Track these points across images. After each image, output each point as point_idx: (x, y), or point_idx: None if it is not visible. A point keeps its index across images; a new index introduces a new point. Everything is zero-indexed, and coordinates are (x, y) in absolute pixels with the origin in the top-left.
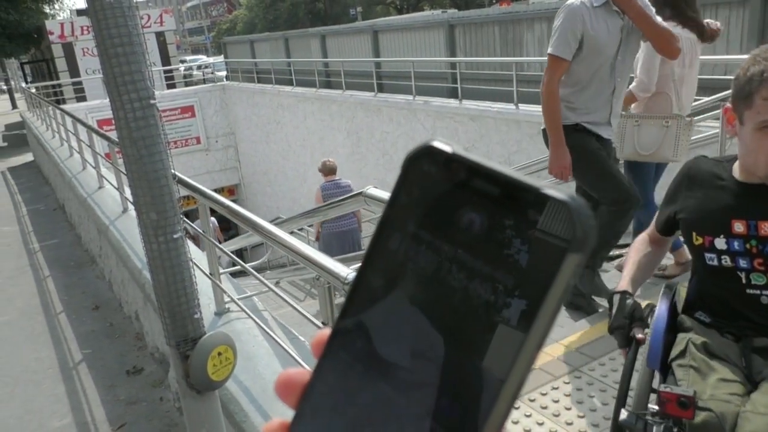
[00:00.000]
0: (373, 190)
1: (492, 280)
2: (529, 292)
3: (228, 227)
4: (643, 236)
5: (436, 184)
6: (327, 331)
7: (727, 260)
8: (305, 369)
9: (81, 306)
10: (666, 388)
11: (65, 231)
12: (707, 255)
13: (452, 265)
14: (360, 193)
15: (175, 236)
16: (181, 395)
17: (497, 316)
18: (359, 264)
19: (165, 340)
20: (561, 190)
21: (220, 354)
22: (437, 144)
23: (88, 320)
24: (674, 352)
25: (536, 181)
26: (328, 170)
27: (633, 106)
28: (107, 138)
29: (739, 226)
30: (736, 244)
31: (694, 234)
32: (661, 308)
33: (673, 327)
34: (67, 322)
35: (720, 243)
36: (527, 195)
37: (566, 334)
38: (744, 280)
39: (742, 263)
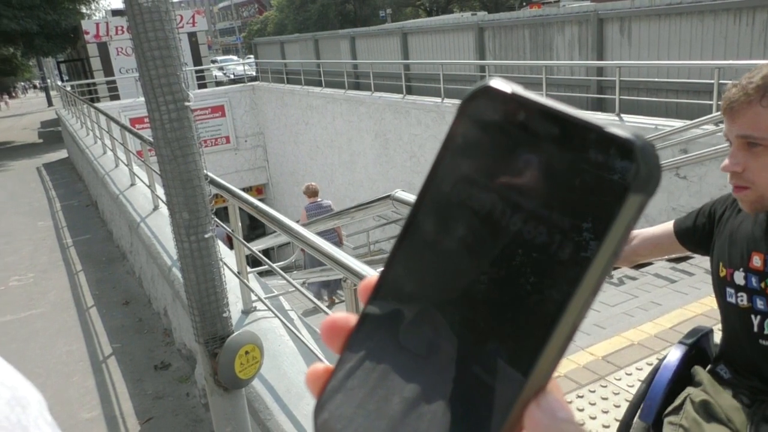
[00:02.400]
0: (400, 194)
1: (548, 222)
2: (588, 233)
3: (255, 226)
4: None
5: (493, 125)
6: (374, 277)
7: (743, 299)
8: (350, 315)
9: (111, 301)
10: None
11: (97, 227)
12: (728, 290)
13: (507, 209)
14: (388, 196)
15: (206, 236)
16: (208, 392)
17: (552, 258)
18: (412, 208)
19: (193, 337)
20: (626, 128)
21: (247, 353)
22: (495, 84)
23: (118, 315)
24: (671, 407)
25: (600, 119)
26: (311, 193)
27: None
28: (139, 137)
29: (756, 260)
30: (753, 281)
31: (721, 264)
32: (673, 357)
33: (687, 379)
34: (97, 316)
35: (739, 277)
36: (590, 134)
37: (592, 342)
38: (756, 328)
39: (759, 304)
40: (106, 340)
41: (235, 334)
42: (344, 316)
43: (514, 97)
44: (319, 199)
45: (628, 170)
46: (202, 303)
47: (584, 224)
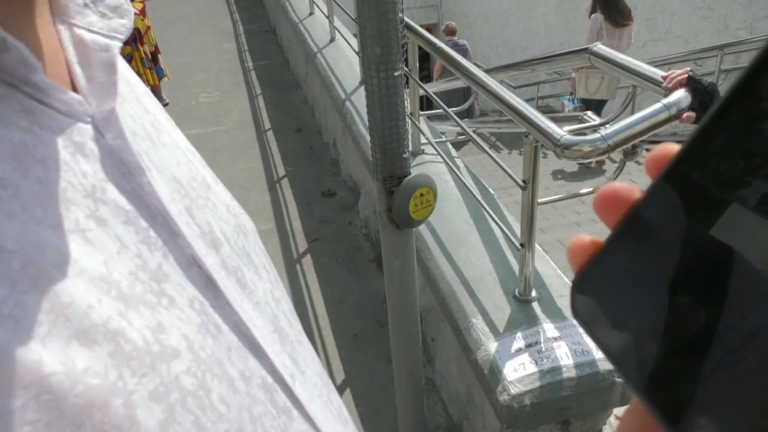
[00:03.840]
0: (601, 48)
1: None
2: None
3: (423, 68)
4: None
5: None
6: (671, 146)
7: None
8: (634, 186)
9: (285, 126)
10: None
11: (275, 54)
12: None
13: None
14: (585, 50)
15: (395, 73)
16: (381, 227)
17: None
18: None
19: (359, 171)
20: None
21: (422, 195)
22: None
23: (291, 141)
24: None
25: None
26: (449, 31)
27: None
28: None
29: None
30: None
31: None
32: None
33: None
34: (273, 139)
35: None
36: None
37: None
38: None
39: None
40: (280, 163)
41: (412, 175)
42: (628, 187)
43: None
44: (455, 38)
45: None
46: (384, 141)
47: None
